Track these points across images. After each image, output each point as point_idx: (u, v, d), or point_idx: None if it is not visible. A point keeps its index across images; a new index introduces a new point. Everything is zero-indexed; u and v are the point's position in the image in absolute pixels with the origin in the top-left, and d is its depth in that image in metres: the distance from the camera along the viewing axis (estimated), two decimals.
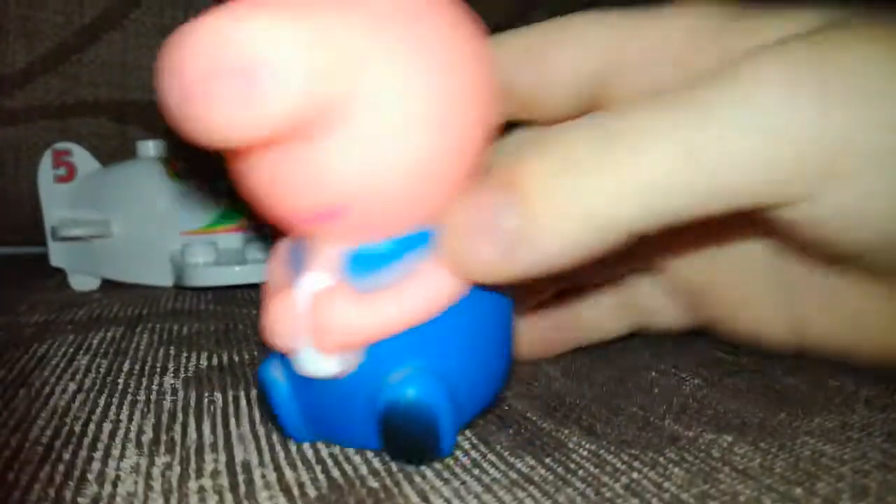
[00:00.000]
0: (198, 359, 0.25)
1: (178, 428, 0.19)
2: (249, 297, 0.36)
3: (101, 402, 0.21)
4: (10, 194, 0.46)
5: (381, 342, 0.16)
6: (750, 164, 0.14)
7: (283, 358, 0.17)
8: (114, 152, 0.45)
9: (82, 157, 0.39)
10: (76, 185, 0.39)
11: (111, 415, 0.20)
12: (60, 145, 0.39)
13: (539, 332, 0.24)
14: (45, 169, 0.39)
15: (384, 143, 0.14)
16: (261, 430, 0.19)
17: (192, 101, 0.13)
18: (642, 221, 0.15)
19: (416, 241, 0.16)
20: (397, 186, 0.15)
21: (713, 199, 0.15)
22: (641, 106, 0.15)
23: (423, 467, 0.17)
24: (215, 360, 0.25)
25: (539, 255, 0.15)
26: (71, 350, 0.26)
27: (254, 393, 0.22)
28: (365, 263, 0.16)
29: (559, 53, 0.20)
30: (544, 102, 0.20)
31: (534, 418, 0.20)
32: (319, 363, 0.16)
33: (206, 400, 0.21)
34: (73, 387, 0.22)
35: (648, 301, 0.24)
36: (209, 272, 0.36)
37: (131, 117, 0.47)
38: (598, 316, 0.25)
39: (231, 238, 0.38)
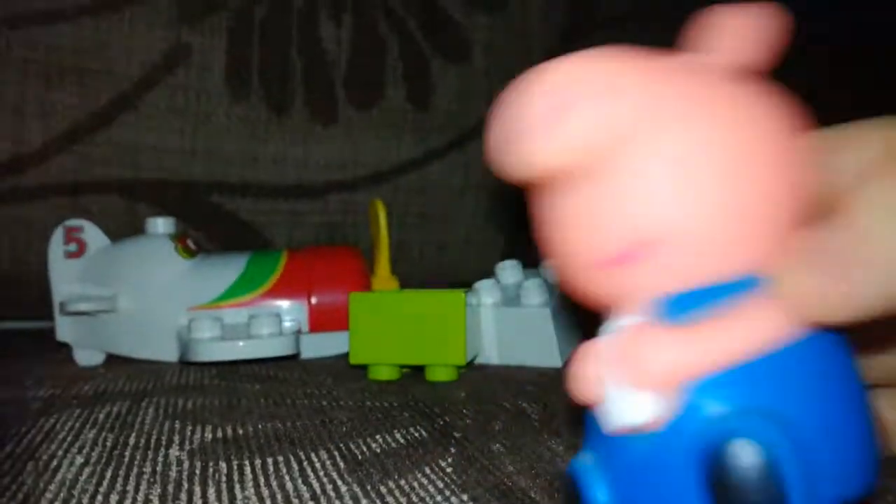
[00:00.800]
0: (202, 432, 0.26)
1: (183, 496, 0.19)
2: (253, 372, 0.36)
3: (108, 474, 0.21)
4: (20, 269, 0.47)
5: (705, 380, 0.13)
6: None
7: (594, 444, 0.15)
8: (123, 229, 0.46)
9: (93, 234, 0.40)
10: (86, 260, 0.40)
11: (118, 486, 0.20)
12: (72, 222, 0.40)
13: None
14: (56, 244, 0.40)
15: (680, 177, 0.14)
16: (265, 493, 0.19)
17: (516, 135, 0.14)
18: None
19: (734, 288, 0.14)
20: (704, 221, 0.14)
21: None
22: None
23: None
24: (220, 434, 0.25)
25: (877, 274, 0.13)
26: (77, 424, 0.27)
27: (258, 461, 0.22)
28: (679, 306, 0.14)
29: (842, 158, 0.18)
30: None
31: None
32: (632, 406, 0.14)
33: (211, 469, 0.22)
34: (80, 460, 0.23)
35: None
36: (214, 347, 0.36)
37: (141, 195, 0.48)
38: None
39: (237, 313, 0.39)
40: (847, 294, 0.13)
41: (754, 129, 0.14)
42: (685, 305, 0.14)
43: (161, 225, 0.42)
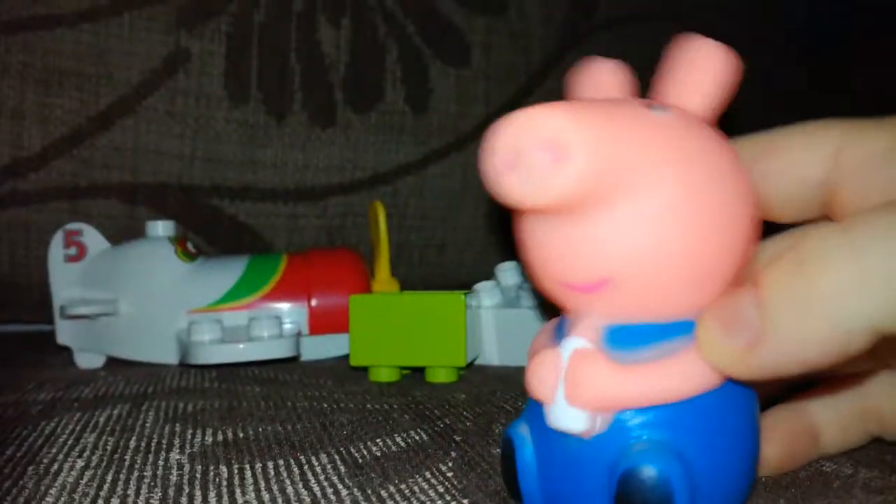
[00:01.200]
0: (203, 435, 0.26)
1: (184, 500, 0.20)
2: (253, 375, 0.36)
3: (109, 478, 0.21)
4: (20, 273, 0.47)
5: (631, 412, 0.16)
6: None
7: (532, 420, 0.18)
8: (123, 233, 0.46)
9: (93, 238, 0.40)
10: (86, 264, 0.40)
11: (118, 490, 0.20)
12: (72, 225, 0.40)
13: (777, 443, 0.22)
14: (56, 248, 0.40)
15: (646, 229, 0.16)
16: (266, 497, 0.19)
17: (508, 169, 0.16)
18: (889, 318, 0.14)
19: (675, 330, 0.17)
20: (658, 270, 0.16)
21: None
22: (881, 208, 0.15)
23: None
24: (220, 437, 0.25)
25: (779, 356, 0.15)
26: (78, 428, 0.27)
27: (259, 465, 0.22)
28: (623, 339, 0.17)
29: (785, 159, 0.20)
30: (776, 207, 0.20)
31: None
32: (569, 416, 0.17)
33: (211, 473, 0.22)
34: (80, 464, 0.23)
35: (890, 404, 0.22)
36: (214, 350, 0.36)
37: (141, 199, 0.48)
38: (835, 421, 0.22)
39: (236, 316, 0.39)
40: (750, 365, 0.16)
41: (711, 190, 0.16)
42: (627, 338, 0.17)
43: (161, 228, 0.42)
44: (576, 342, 0.17)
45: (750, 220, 0.17)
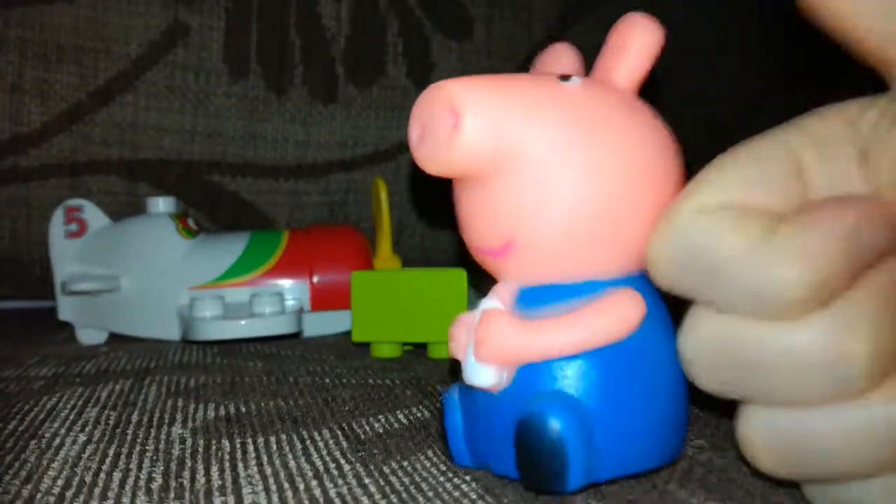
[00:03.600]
0: (205, 410, 0.26)
1: (186, 474, 0.20)
2: (255, 350, 0.36)
3: (111, 452, 0.21)
4: (20, 249, 0.47)
5: (531, 366, 0.17)
6: None
7: (461, 385, 0.19)
8: (123, 209, 0.46)
9: (93, 213, 0.40)
10: (86, 240, 0.40)
11: (121, 464, 0.20)
12: (72, 201, 0.40)
13: None
14: (57, 224, 0.40)
15: (543, 192, 0.17)
16: (268, 471, 0.19)
17: (419, 140, 0.17)
18: None
19: (584, 290, 0.17)
20: (559, 233, 0.17)
21: None
22: None
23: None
24: (222, 411, 0.25)
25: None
26: (80, 403, 0.27)
27: (261, 440, 0.22)
28: (532, 299, 0.18)
29: None
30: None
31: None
32: (477, 373, 0.18)
33: (214, 447, 0.22)
34: (82, 438, 0.23)
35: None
36: (216, 326, 0.36)
37: (141, 175, 0.48)
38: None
39: (238, 292, 0.39)
40: None
41: (615, 154, 0.17)
42: (536, 298, 0.18)
43: (162, 204, 0.42)
44: (487, 303, 0.18)
45: (661, 183, 0.17)
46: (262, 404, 0.26)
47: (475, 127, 0.16)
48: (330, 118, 0.52)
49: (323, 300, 0.40)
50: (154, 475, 0.19)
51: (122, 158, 0.48)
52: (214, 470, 0.20)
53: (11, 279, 0.48)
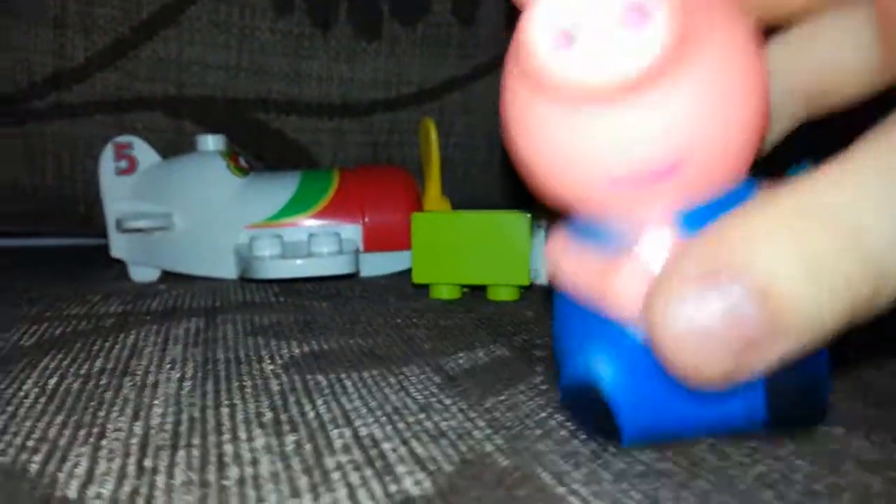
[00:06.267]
0: (288, 347, 0.26)
1: (293, 408, 0.20)
2: (315, 290, 0.36)
3: (209, 388, 0.22)
4: (65, 186, 0.47)
5: None
6: None
7: (610, 348, 0.17)
8: (168, 146, 0.46)
9: (143, 150, 0.40)
10: (137, 177, 0.40)
11: (224, 400, 0.21)
12: (121, 138, 0.40)
13: None
14: (107, 161, 0.39)
15: (716, 100, 0.15)
16: (373, 405, 0.20)
17: (564, 44, 0.14)
18: None
19: (738, 196, 0.16)
20: (727, 142, 0.15)
21: None
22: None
23: (553, 456, 0.17)
24: (306, 348, 0.26)
25: None
26: (160, 339, 0.27)
27: (355, 375, 0.22)
28: (698, 220, 0.15)
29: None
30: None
31: None
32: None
33: (311, 382, 0.22)
34: (175, 374, 0.23)
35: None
36: (275, 265, 0.36)
37: (186, 112, 0.48)
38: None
39: (296, 231, 0.39)
40: None
41: (753, 52, 0.16)
42: (701, 218, 0.15)
43: (211, 142, 0.41)
44: (655, 239, 0.16)
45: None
46: (342, 342, 0.26)
47: (672, 18, 0.14)
48: (374, 56, 0.51)
49: (375, 241, 0.40)
50: (262, 410, 0.20)
51: (166, 95, 0.47)
52: (320, 403, 0.20)
53: (57, 216, 0.48)
